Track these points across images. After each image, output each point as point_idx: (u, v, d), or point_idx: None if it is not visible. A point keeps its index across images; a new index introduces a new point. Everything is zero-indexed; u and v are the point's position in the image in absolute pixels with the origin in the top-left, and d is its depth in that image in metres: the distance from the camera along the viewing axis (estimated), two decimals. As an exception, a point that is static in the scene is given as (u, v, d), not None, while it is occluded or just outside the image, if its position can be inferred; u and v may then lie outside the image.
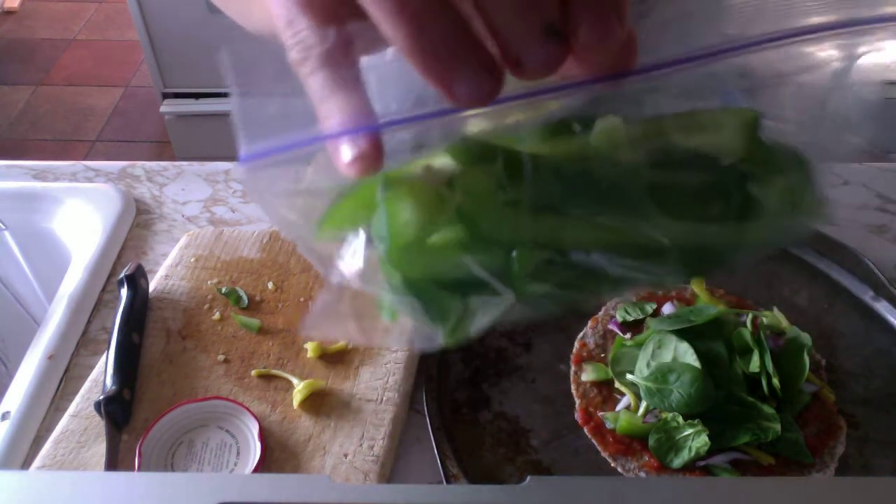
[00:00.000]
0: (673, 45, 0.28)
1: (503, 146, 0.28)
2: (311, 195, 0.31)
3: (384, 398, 0.56)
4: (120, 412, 0.54)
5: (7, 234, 0.76)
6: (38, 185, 0.76)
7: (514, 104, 0.26)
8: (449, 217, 0.28)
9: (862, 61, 0.33)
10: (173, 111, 2.03)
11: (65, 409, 0.55)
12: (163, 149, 2.36)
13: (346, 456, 0.53)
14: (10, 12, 2.96)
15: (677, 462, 0.52)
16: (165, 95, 2.03)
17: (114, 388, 0.54)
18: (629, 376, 0.56)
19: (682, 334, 0.56)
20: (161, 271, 0.65)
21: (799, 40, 0.29)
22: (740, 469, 0.53)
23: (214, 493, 0.33)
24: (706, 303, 0.61)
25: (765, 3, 0.30)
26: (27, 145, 2.37)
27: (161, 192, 0.77)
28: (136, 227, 0.73)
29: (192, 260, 0.66)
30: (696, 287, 0.63)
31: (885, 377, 0.60)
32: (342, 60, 0.27)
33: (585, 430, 0.56)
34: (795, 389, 0.56)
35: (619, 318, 0.62)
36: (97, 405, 0.53)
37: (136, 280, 0.61)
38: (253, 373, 0.58)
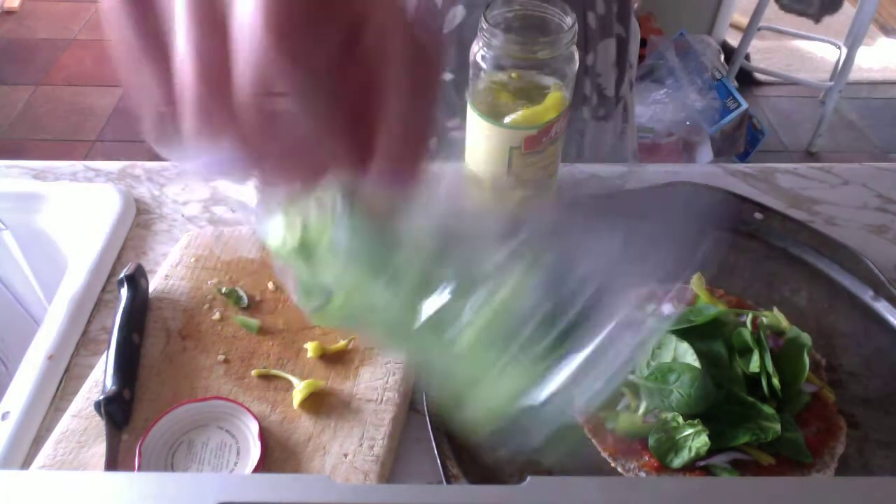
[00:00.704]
0: None
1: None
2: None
3: (384, 398, 0.56)
4: (120, 412, 0.54)
5: (7, 234, 0.76)
6: (38, 185, 0.76)
7: None
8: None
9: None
10: (173, 111, 2.03)
11: (65, 409, 0.55)
12: (163, 149, 2.35)
13: (346, 456, 0.53)
14: (10, 12, 2.96)
15: (677, 462, 0.52)
16: (165, 95, 2.03)
17: (114, 388, 0.54)
18: (629, 376, 0.56)
19: (682, 334, 0.56)
20: (161, 271, 0.65)
21: None
22: (740, 469, 0.53)
23: (214, 493, 0.33)
24: (706, 303, 0.61)
25: None
26: (27, 145, 2.37)
27: (161, 192, 0.77)
28: (136, 227, 0.73)
29: (192, 260, 0.66)
30: (696, 287, 0.63)
31: (885, 377, 0.60)
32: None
33: (585, 430, 0.56)
34: (795, 389, 0.56)
35: (619, 318, 0.62)
36: (97, 405, 0.53)
37: (136, 280, 0.61)
38: (253, 373, 0.58)
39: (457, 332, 0.35)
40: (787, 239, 0.71)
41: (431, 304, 0.34)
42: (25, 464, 0.54)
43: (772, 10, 2.44)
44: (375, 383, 0.57)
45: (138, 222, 0.74)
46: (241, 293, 0.63)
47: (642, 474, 0.53)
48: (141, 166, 0.80)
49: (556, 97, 0.65)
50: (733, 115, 2.16)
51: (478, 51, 0.64)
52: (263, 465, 0.52)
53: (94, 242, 0.69)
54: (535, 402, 0.34)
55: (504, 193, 0.71)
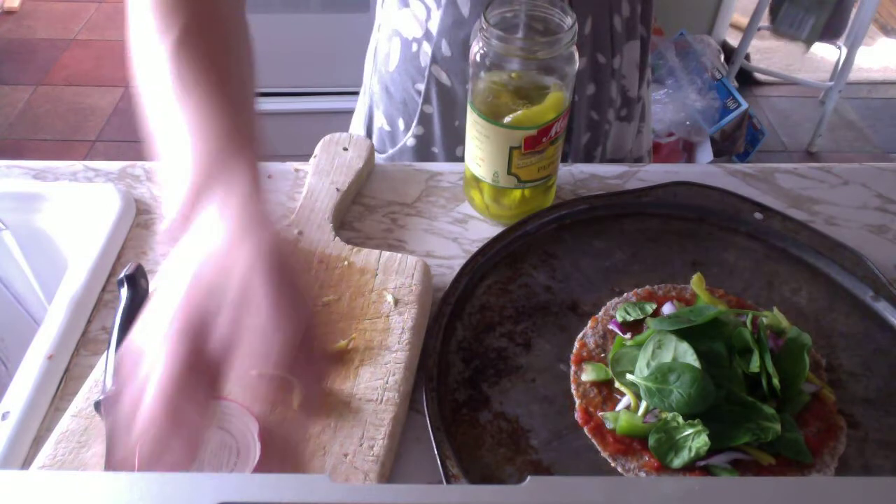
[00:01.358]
0: None
1: None
2: None
3: (384, 398, 0.56)
4: (120, 412, 0.54)
5: (7, 234, 0.76)
6: (38, 185, 0.76)
7: None
8: None
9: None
10: (173, 111, 2.03)
11: (65, 409, 0.55)
12: (163, 149, 2.35)
13: (346, 456, 0.53)
14: (10, 12, 2.96)
15: (677, 462, 0.52)
16: (165, 95, 2.03)
17: (114, 388, 0.54)
18: (629, 376, 0.56)
19: (682, 334, 0.56)
20: (161, 271, 0.65)
21: None
22: (740, 469, 0.53)
23: (214, 493, 0.33)
24: (706, 303, 0.61)
25: None
26: (27, 145, 2.37)
27: (161, 192, 0.77)
28: (136, 227, 0.73)
29: (192, 260, 0.66)
30: (696, 287, 0.63)
31: (885, 377, 0.60)
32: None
33: (585, 430, 0.56)
34: (795, 389, 0.56)
35: (619, 319, 0.62)
36: (97, 405, 0.53)
37: (136, 280, 0.61)
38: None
39: None
40: (787, 239, 0.71)
41: None
42: (25, 464, 0.54)
43: (772, 10, 2.44)
44: (375, 383, 0.57)
45: (138, 222, 0.74)
46: (241, 293, 0.63)
47: (642, 474, 0.53)
48: (141, 166, 0.80)
49: (556, 97, 0.65)
50: (733, 115, 2.16)
51: (477, 51, 0.64)
52: (263, 465, 0.52)
53: (94, 242, 0.69)
54: None
55: (504, 193, 0.71)
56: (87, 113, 2.51)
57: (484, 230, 0.73)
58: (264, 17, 1.88)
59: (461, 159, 0.87)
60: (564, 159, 0.87)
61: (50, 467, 0.52)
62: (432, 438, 0.54)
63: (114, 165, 0.80)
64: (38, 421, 0.56)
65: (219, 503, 0.33)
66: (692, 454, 0.52)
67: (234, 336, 0.41)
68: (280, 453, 0.49)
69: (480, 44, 0.63)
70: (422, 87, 0.84)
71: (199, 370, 0.40)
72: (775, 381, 0.55)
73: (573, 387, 0.59)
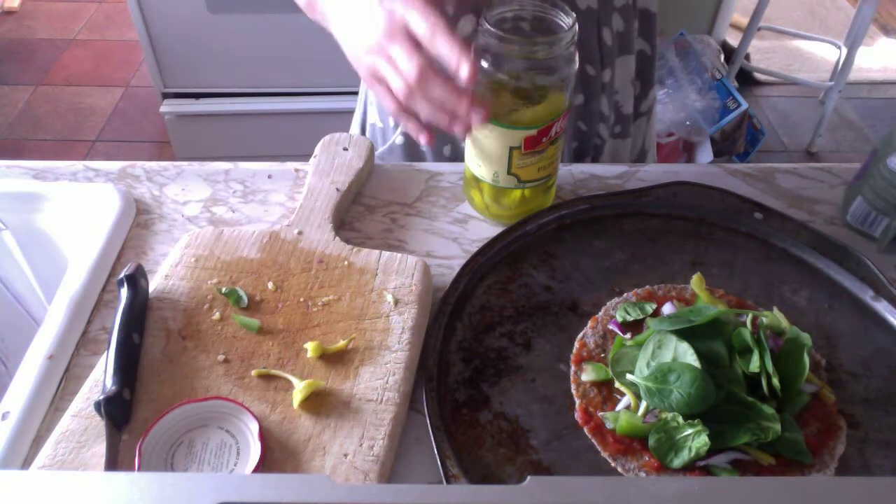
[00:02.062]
0: None
1: None
2: None
3: (384, 398, 0.56)
4: (120, 412, 0.54)
5: (7, 234, 0.76)
6: (38, 185, 0.76)
7: None
8: None
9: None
10: (173, 111, 2.03)
11: (65, 409, 0.55)
12: (163, 149, 2.36)
13: (346, 456, 0.53)
14: (10, 12, 2.96)
15: (677, 462, 0.52)
16: (165, 95, 2.03)
17: (114, 388, 0.54)
18: (629, 376, 0.56)
19: (682, 334, 0.56)
20: (161, 271, 0.65)
21: None
22: (740, 469, 0.53)
23: (214, 493, 0.33)
24: (706, 303, 0.61)
25: None
26: (27, 145, 2.37)
27: (161, 192, 0.77)
28: (136, 227, 0.73)
29: (192, 260, 0.66)
30: (696, 287, 0.63)
31: (885, 377, 0.60)
32: None
33: (585, 430, 0.56)
34: (795, 389, 0.56)
35: (619, 319, 0.62)
36: (97, 405, 0.53)
37: (136, 280, 0.61)
38: (253, 373, 0.58)
39: None
40: (787, 239, 0.71)
41: None
42: (25, 464, 0.54)
43: (772, 10, 2.45)
44: (375, 383, 0.57)
45: (138, 222, 0.74)
46: (241, 293, 0.63)
47: (642, 474, 0.53)
48: (141, 166, 0.80)
49: (555, 97, 0.65)
50: (733, 115, 2.16)
51: (476, 50, 0.64)
52: (263, 465, 0.52)
53: (94, 242, 0.69)
54: None
55: (504, 193, 0.71)
56: (87, 113, 2.51)
57: (484, 230, 0.73)
58: (264, 17, 1.88)
59: (449, 158, 0.88)
60: None
61: (50, 467, 0.52)
62: (432, 438, 0.54)
63: (114, 165, 0.80)
64: (38, 421, 0.56)
65: (219, 503, 0.33)
66: (692, 454, 0.52)
67: None
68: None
69: (480, 43, 0.63)
70: None
71: None
72: (775, 381, 0.55)
73: (573, 387, 0.59)
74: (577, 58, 0.65)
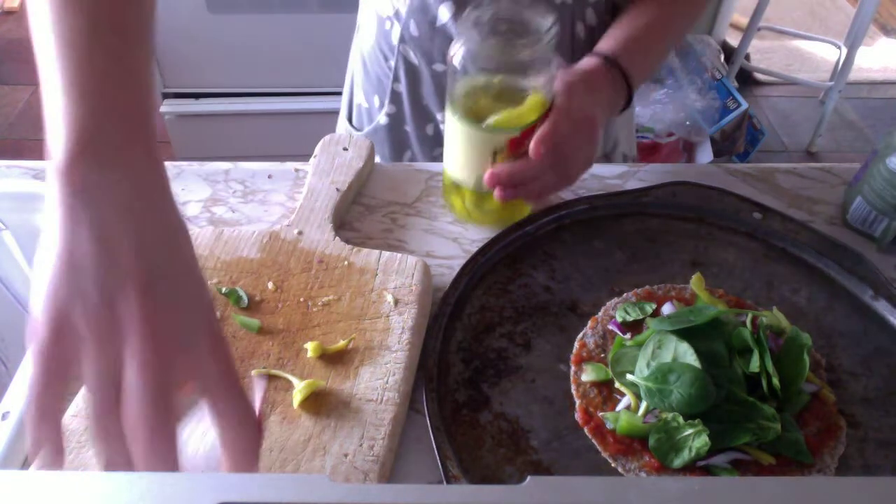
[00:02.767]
0: None
1: None
2: None
3: (384, 398, 0.56)
4: (120, 412, 0.54)
5: (7, 234, 0.76)
6: (38, 185, 0.76)
7: None
8: None
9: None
10: (173, 111, 2.03)
11: (65, 410, 0.55)
12: (163, 149, 2.35)
13: (346, 456, 0.53)
14: (10, 12, 2.96)
15: (677, 462, 0.52)
16: (165, 95, 2.03)
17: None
18: (629, 376, 0.56)
19: (682, 334, 0.56)
20: (161, 271, 0.65)
21: None
22: (740, 469, 0.53)
23: (214, 493, 0.33)
24: (706, 303, 0.61)
25: None
26: (27, 145, 2.37)
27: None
28: (136, 227, 0.73)
29: (192, 260, 0.66)
30: (696, 287, 0.63)
31: (885, 377, 0.60)
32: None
33: (585, 430, 0.56)
34: (795, 389, 0.56)
35: (618, 319, 0.62)
36: (97, 405, 0.53)
37: (136, 280, 0.61)
38: (253, 373, 0.58)
39: None
40: (787, 239, 0.71)
41: None
42: (25, 464, 0.54)
43: (772, 10, 2.44)
44: (375, 383, 0.57)
45: (138, 222, 0.74)
46: (241, 293, 0.63)
47: (642, 474, 0.53)
48: (141, 166, 0.80)
49: (536, 99, 0.65)
50: (733, 115, 2.16)
51: (455, 53, 0.63)
52: (263, 469, 0.52)
53: (94, 242, 0.68)
54: None
55: (486, 198, 0.71)
56: (87, 113, 2.51)
57: (484, 230, 0.73)
58: (264, 17, 1.88)
59: (431, 138, 0.87)
60: None
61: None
62: (432, 439, 0.54)
63: (114, 165, 0.80)
64: (38, 421, 0.56)
65: (219, 503, 0.33)
66: (692, 454, 0.52)
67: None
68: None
69: (458, 45, 0.63)
70: (392, 64, 0.85)
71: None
72: (775, 381, 0.55)
73: (573, 387, 0.59)
74: (555, 59, 0.64)
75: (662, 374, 0.54)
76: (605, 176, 0.80)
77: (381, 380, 0.57)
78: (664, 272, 0.68)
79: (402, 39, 0.83)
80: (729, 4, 2.56)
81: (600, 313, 0.64)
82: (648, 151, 2.07)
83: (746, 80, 2.72)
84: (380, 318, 0.61)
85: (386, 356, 0.59)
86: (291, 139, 1.89)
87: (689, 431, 0.52)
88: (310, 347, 0.59)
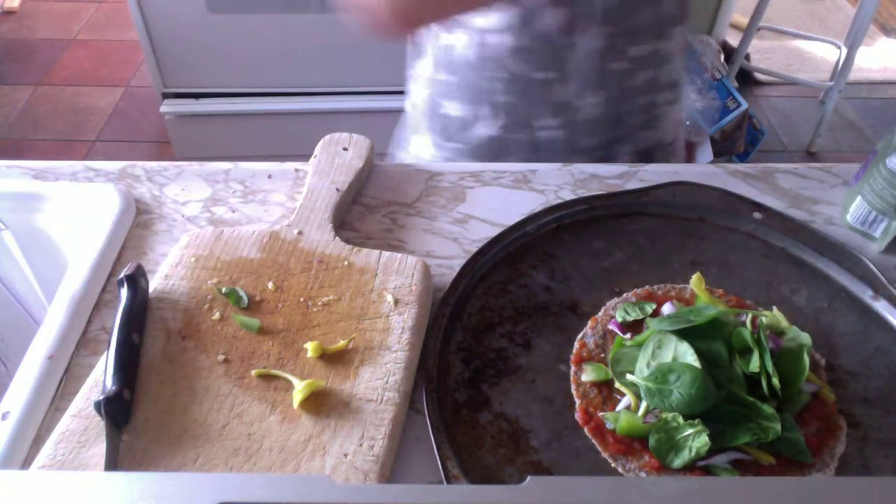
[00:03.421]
0: None
1: None
2: None
3: (384, 398, 0.56)
4: (120, 412, 0.54)
5: (7, 234, 0.76)
6: (38, 185, 0.76)
7: None
8: None
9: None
10: (173, 111, 2.03)
11: (65, 409, 0.55)
12: (163, 149, 2.36)
13: (346, 456, 0.53)
14: (10, 12, 2.96)
15: (677, 462, 0.52)
16: (165, 95, 2.03)
17: (114, 388, 0.54)
18: (629, 376, 0.56)
19: (682, 334, 0.56)
20: (161, 271, 0.65)
21: None
22: (740, 469, 0.53)
23: (214, 493, 0.33)
24: (706, 303, 0.61)
25: None
26: (27, 145, 2.37)
27: (161, 192, 0.77)
28: (136, 227, 0.73)
29: (192, 260, 0.66)
30: (696, 287, 0.63)
31: (885, 377, 0.60)
32: None
33: (585, 430, 0.56)
34: (795, 389, 0.56)
35: (618, 319, 0.62)
36: (97, 405, 0.53)
37: (136, 280, 0.61)
38: (253, 373, 0.58)
39: None
40: (787, 239, 0.71)
41: None
42: (25, 464, 0.54)
43: (772, 10, 2.44)
44: (375, 383, 0.57)
45: (138, 222, 0.74)
46: (241, 293, 0.63)
47: (642, 474, 0.53)
48: (141, 166, 0.80)
49: None
50: (733, 115, 2.16)
51: None
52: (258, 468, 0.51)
53: (94, 242, 0.69)
54: None
55: None
56: (86, 113, 2.51)
57: (484, 230, 0.73)
58: (264, 17, 1.88)
59: (528, 143, 0.87)
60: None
61: (50, 467, 0.52)
62: (432, 439, 0.54)
63: (114, 165, 0.80)
64: (38, 421, 0.56)
65: (219, 503, 0.33)
66: (692, 454, 0.52)
67: None
68: None
69: None
70: (495, 75, 0.84)
71: None
72: (775, 381, 0.55)
73: (573, 387, 0.59)
74: None
75: (662, 374, 0.54)
76: (605, 176, 0.80)
77: (381, 380, 0.57)
78: (664, 272, 0.68)
79: (509, 52, 0.83)
80: (729, 4, 2.56)
81: (600, 313, 0.64)
82: (648, 151, 2.06)
83: (746, 80, 2.72)
84: (380, 318, 0.61)
85: (386, 356, 0.59)
86: (291, 139, 1.89)
87: (689, 431, 0.52)
88: (310, 347, 0.59)
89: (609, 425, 0.55)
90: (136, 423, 0.54)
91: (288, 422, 0.55)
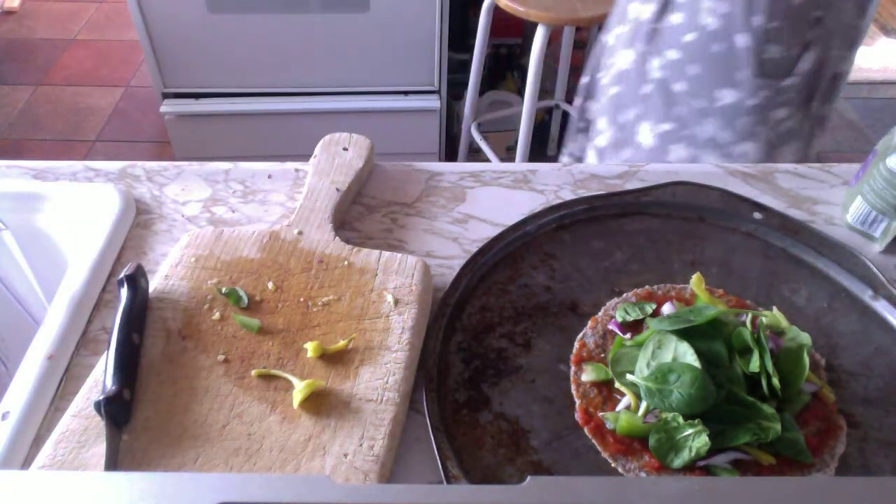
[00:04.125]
0: None
1: None
2: None
3: (384, 398, 0.56)
4: (120, 412, 0.54)
5: (7, 234, 0.76)
6: (38, 185, 0.76)
7: None
8: None
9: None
10: (173, 111, 2.03)
11: (65, 409, 0.55)
12: (163, 149, 2.36)
13: (346, 456, 0.53)
14: (10, 12, 2.96)
15: (677, 462, 0.52)
16: (165, 95, 2.03)
17: (114, 388, 0.54)
18: (629, 376, 0.56)
19: (682, 334, 0.56)
20: (161, 271, 0.65)
21: None
22: (740, 469, 0.53)
23: (214, 493, 0.33)
24: (706, 303, 0.61)
25: None
26: (27, 145, 2.37)
27: (161, 192, 0.77)
28: (136, 227, 0.73)
29: (192, 260, 0.66)
30: (696, 287, 0.63)
31: (885, 377, 0.60)
32: None
33: (585, 430, 0.56)
34: (795, 389, 0.56)
35: (618, 319, 0.62)
36: (97, 405, 0.53)
37: (136, 280, 0.61)
38: (253, 373, 0.58)
39: None
40: (787, 239, 0.71)
41: None
42: (25, 464, 0.54)
43: (772, 10, 2.44)
44: (375, 383, 0.57)
45: (138, 222, 0.74)
46: (241, 293, 0.63)
47: (642, 474, 0.53)
48: (141, 166, 0.80)
49: None
50: (733, 115, 2.16)
51: None
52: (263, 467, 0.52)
53: (94, 242, 0.69)
54: None
55: None
56: (86, 113, 2.51)
57: (484, 230, 0.73)
58: (264, 17, 1.88)
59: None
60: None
61: (50, 467, 0.52)
62: (432, 439, 0.54)
63: (114, 165, 0.80)
64: (38, 421, 0.56)
65: (218, 503, 0.33)
66: (692, 454, 0.52)
67: None
68: None
69: None
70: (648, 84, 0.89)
71: None
72: (775, 381, 0.55)
73: (573, 387, 0.59)
74: None
75: (662, 374, 0.54)
76: (605, 176, 0.80)
77: (381, 380, 0.57)
78: (664, 272, 0.68)
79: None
80: (729, 4, 2.56)
81: (600, 313, 0.64)
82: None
83: (746, 80, 2.72)
84: (380, 318, 0.61)
85: (386, 356, 0.59)
86: (291, 139, 1.89)
87: (689, 431, 0.52)
88: (310, 347, 0.59)
89: (609, 425, 0.55)
90: (136, 423, 0.54)
91: (288, 422, 0.55)
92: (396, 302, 0.62)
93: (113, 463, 0.51)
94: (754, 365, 0.55)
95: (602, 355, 0.60)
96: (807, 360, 0.56)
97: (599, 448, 0.55)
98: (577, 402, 0.58)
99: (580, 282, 0.67)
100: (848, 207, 0.74)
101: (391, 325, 0.61)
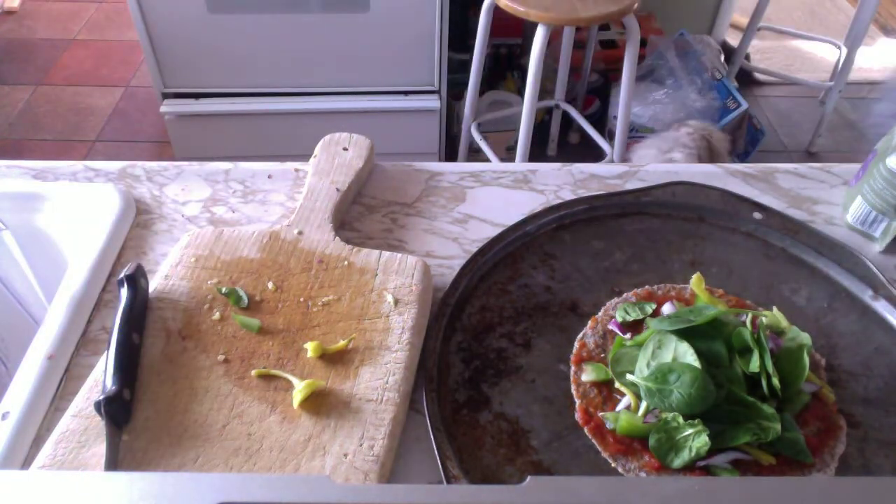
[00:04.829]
0: None
1: None
2: None
3: (384, 398, 0.56)
4: (120, 412, 0.54)
5: (7, 234, 0.76)
6: (38, 185, 0.76)
7: None
8: None
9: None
10: (173, 111, 2.03)
11: (65, 409, 0.55)
12: (163, 149, 2.36)
13: (346, 456, 0.53)
14: (10, 12, 2.96)
15: (677, 462, 0.52)
16: (165, 95, 2.03)
17: (114, 388, 0.54)
18: (629, 376, 0.56)
19: (682, 334, 0.56)
20: (161, 271, 0.65)
21: None
22: (740, 469, 0.53)
23: (214, 493, 0.33)
24: (706, 303, 0.61)
25: None
26: (27, 145, 2.37)
27: (161, 192, 0.77)
28: (136, 227, 0.73)
29: (192, 260, 0.66)
30: (696, 287, 0.63)
31: (885, 377, 0.60)
32: None
33: (585, 430, 0.56)
34: (795, 389, 0.56)
35: (618, 319, 0.62)
36: (97, 405, 0.53)
37: (136, 280, 0.61)
38: (253, 373, 0.58)
39: None
40: (787, 239, 0.71)
41: None
42: (25, 464, 0.54)
43: (772, 10, 2.44)
44: (375, 383, 0.57)
45: (138, 222, 0.74)
46: (241, 293, 0.63)
47: (642, 474, 0.53)
48: (141, 166, 0.80)
49: None
50: (733, 114, 2.16)
51: None
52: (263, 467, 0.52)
53: (94, 242, 0.69)
54: None
55: None
56: (87, 113, 2.51)
57: (484, 230, 0.73)
58: (264, 17, 1.88)
59: None
60: None
61: (50, 467, 0.52)
62: (432, 439, 0.54)
63: (114, 165, 0.80)
64: (38, 421, 0.56)
65: (218, 503, 0.33)
66: (692, 454, 0.52)
67: None
68: None
69: None
70: None
71: None
72: (775, 381, 0.55)
73: (573, 387, 0.59)
74: None
75: (662, 374, 0.54)
76: (605, 176, 0.80)
77: (381, 380, 0.57)
78: (664, 272, 0.68)
79: None
80: (729, 4, 2.56)
81: (600, 313, 0.64)
82: (648, 151, 2.06)
83: (746, 80, 2.72)
84: (380, 318, 0.61)
85: (386, 356, 0.59)
86: (291, 139, 1.89)
87: (689, 431, 0.52)
88: (310, 347, 0.59)
89: (609, 425, 0.55)
90: (136, 423, 0.54)
91: (288, 422, 0.55)
92: (396, 302, 0.62)
93: (113, 463, 0.51)
94: (754, 365, 0.55)
95: (602, 355, 0.60)
96: (807, 360, 0.56)
97: (599, 448, 0.55)
98: (577, 402, 0.58)
99: (580, 282, 0.67)
100: (848, 207, 0.74)
101: (391, 325, 0.61)
